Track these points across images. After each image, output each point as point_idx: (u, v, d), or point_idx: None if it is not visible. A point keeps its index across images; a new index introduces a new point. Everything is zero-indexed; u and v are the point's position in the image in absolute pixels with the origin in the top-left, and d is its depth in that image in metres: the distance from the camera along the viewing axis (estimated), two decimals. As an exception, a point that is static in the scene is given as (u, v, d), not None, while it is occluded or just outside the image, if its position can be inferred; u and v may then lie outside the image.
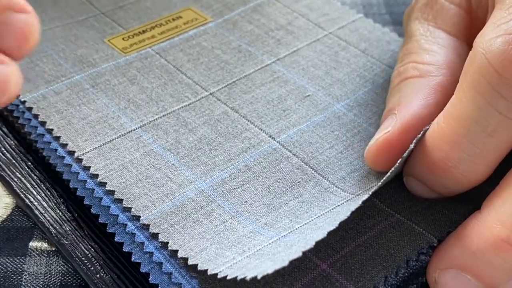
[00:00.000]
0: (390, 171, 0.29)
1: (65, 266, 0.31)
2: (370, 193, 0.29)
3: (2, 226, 0.33)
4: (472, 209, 0.30)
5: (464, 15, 0.34)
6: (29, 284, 0.30)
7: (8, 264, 0.31)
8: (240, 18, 0.43)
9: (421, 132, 0.30)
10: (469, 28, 0.34)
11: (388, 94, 0.34)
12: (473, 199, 0.31)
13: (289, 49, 0.41)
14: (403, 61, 0.34)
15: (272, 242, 0.29)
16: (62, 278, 0.31)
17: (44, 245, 0.32)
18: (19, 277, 0.31)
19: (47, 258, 0.31)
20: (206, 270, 0.28)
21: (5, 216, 0.33)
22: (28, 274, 0.31)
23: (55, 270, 0.31)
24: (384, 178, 0.29)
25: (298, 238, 0.29)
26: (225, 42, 0.41)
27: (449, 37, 0.34)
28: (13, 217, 0.33)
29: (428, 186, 0.30)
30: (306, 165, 0.33)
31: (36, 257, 0.31)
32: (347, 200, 0.31)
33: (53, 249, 0.32)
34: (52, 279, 0.31)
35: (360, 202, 0.28)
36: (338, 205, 0.31)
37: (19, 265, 0.31)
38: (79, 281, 0.31)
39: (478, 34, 0.33)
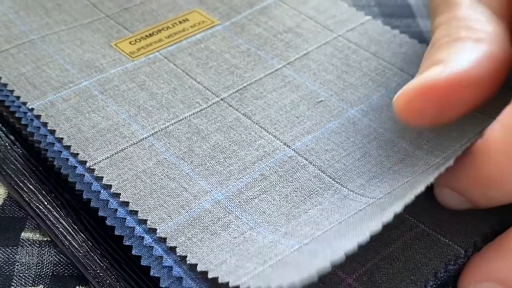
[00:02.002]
0: (425, 184, 0.28)
1: (57, 256, 0.31)
2: (403, 205, 0.27)
3: (-6, 216, 0.33)
4: (499, 218, 0.29)
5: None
6: (21, 274, 0.30)
7: (0, 255, 0.31)
8: (247, 21, 0.42)
9: (466, 145, 0.29)
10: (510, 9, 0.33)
11: (431, 51, 0.31)
12: (499, 208, 0.30)
13: (299, 52, 0.40)
14: (451, 24, 0.31)
15: (294, 250, 0.28)
16: (54, 269, 0.31)
17: (36, 236, 0.32)
18: (11, 268, 0.30)
19: (39, 249, 0.31)
20: (227, 283, 0.28)
21: (-4, 206, 0.33)
22: (20, 264, 0.31)
23: (47, 261, 0.31)
24: (417, 190, 0.28)
25: (322, 246, 0.28)
26: (233, 45, 0.40)
27: (493, 14, 0.32)
28: (5, 207, 0.33)
29: (471, 199, 0.29)
30: (323, 173, 0.33)
31: (28, 247, 0.31)
32: (369, 205, 0.30)
33: (45, 239, 0.32)
34: (44, 270, 0.30)
35: (391, 216, 0.26)
36: (360, 210, 0.30)
37: (11, 255, 0.31)
38: (70, 271, 0.30)
39: None
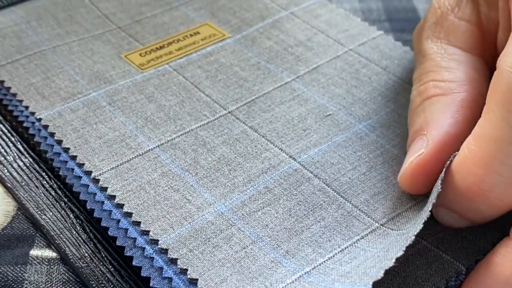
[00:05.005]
0: (429, 208, 0.28)
1: (66, 274, 0.31)
2: (412, 237, 0.27)
3: (2, 233, 0.32)
4: (500, 235, 0.29)
5: (475, 30, 0.34)
6: (29, 293, 0.30)
7: (9, 273, 0.31)
8: (258, 34, 0.42)
9: (449, 160, 0.29)
10: (481, 43, 0.34)
11: (411, 114, 0.33)
12: (500, 225, 0.30)
13: (309, 66, 0.40)
14: (421, 81, 0.33)
15: (295, 279, 0.28)
16: (63, 287, 0.30)
17: (45, 253, 0.32)
18: (19, 286, 0.30)
19: (48, 267, 0.31)
20: None
21: (5, 224, 0.33)
22: (29, 282, 0.30)
23: (56, 279, 0.31)
24: (423, 216, 0.28)
25: (324, 283, 0.28)
26: (243, 58, 0.40)
27: (464, 53, 0.33)
28: (14, 224, 0.33)
29: (461, 214, 0.29)
30: (328, 187, 0.32)
31: (37, 265, 0.31)
32: (371, 231, 0.30)
33: (54, 257, 0.31)
34: (53, 288, 0.31)
35: (392, 263, 0.26)
36: (362, 237, 0.30)
37: (20, 273, 0.31)
38: (79, 289, 0.30)
39: (490, 48, 0.33)
